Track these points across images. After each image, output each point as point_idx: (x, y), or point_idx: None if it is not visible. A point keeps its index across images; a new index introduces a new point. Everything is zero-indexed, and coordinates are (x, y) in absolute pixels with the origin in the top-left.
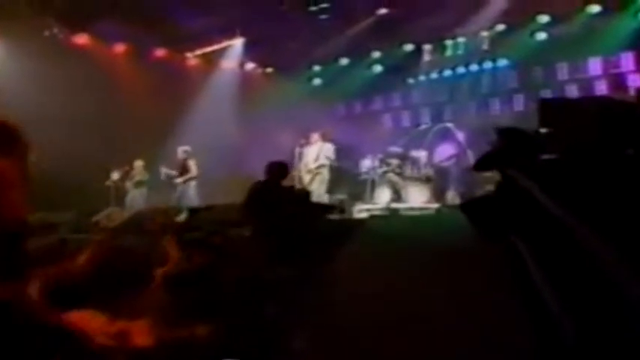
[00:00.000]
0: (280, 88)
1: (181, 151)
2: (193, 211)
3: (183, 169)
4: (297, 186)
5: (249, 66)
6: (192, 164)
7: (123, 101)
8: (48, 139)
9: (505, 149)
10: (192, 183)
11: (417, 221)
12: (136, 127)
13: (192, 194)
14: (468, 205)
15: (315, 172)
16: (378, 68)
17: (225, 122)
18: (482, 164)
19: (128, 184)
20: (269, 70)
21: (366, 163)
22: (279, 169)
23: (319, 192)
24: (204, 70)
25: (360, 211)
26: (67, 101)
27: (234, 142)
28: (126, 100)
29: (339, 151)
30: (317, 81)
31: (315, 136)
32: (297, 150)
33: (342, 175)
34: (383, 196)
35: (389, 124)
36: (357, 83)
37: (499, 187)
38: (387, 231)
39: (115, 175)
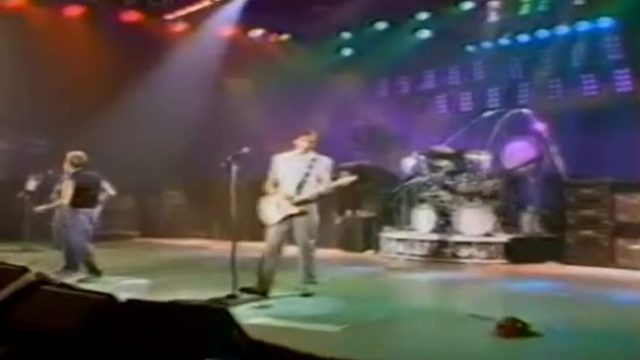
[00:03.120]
0: (300, 61)
1: (74, 157)
2: None
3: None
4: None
5: (257, 32)
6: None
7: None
8: None
9: None
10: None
11: None
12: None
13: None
14: None
15: (298, 210)
16: (425, 33)
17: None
18: None
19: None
20: (285, 37)
21: (409, 164)
22: None
23: (304, 241)
24: (191, 38)
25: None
26: None
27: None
28: (80, 76)
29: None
30: (347, 51)
31: (305, 140)
32: (277, 159)
33: (372, 177)
34: (423, 220)
35: (442, 108)
36: (399, 54)
37: None
38: None
39: (32, 185)
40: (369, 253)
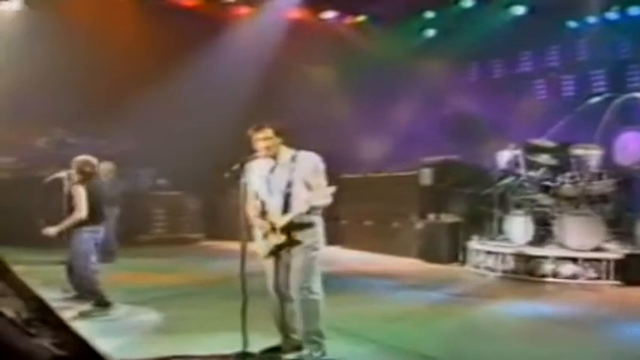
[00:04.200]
0: (379, 45)
1: (84, 164)
2: None
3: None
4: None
5: (329, 14)
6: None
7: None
8: None
9: None
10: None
11: None
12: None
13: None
14: None
15: (284, 238)
16: (520, 9)
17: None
18: None
19: None
20: (361, 18)
21: (504, 158)
22: None
23: (297, 284)
24: (253, 21)
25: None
26: None
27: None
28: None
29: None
30: (431, 32)
31: (259, 140)
32: (250, 167)
33: (460, 174)
34: (518, 229)
35: (541, 94)
36: (490, 33)
37: None
38: None
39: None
40: (454, 267)
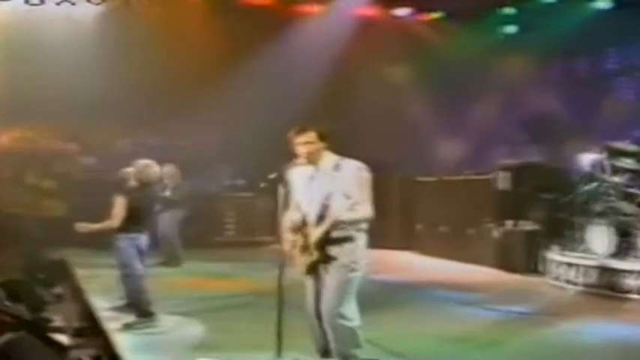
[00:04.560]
0: (456, 43)
1: (143, 171)
2: None
3: None
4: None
5: (403, 11)
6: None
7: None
8: None
9: None
10: None
11: None
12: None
13: None
14: None
15: (317, 254)
16: (604, 3)
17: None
18: None
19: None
20: (436, 15)
21: (588, 161)
22: None
23: (329, 308)
24: (322, 19)
25: None
26: None
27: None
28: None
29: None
30: (511, 28)
31: (301, 144)
32: (291, 175)
33: (541, 178)
34: (599, 239)
35: (628, 93)
36: (574, 29)
37: None
38: None
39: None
40: (531, 278)
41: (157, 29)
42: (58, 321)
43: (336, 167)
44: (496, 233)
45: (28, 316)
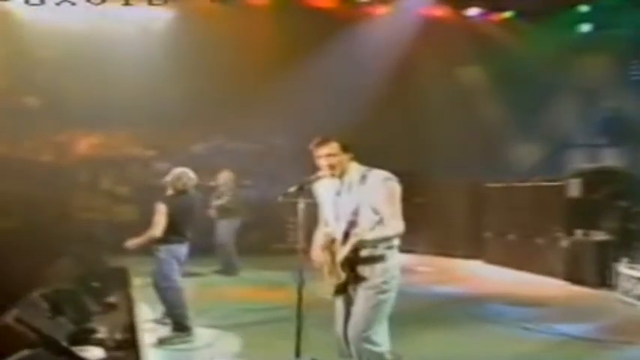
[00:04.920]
0: (528, 43)
1: (179, 179)
2: None
3: None
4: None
5: (473, 11)
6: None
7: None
8: None
9: None
10: None
11: None
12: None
13: None
14: None
15: (344, 276)
16: None
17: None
18: None
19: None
20: (508, 14)
21: None
22: None
23: (355, 334)
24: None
25: None
26: None
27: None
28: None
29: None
30: (586, 27)
31: (322, 157)
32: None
33: (616, 184)
34: None
35: None
36: None
37: None
38: None
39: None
40: (602, 292)
41: (226, 33)
42: (101, 332)
43: (363, 179)
44: (565, 243)
45: (69, 328)
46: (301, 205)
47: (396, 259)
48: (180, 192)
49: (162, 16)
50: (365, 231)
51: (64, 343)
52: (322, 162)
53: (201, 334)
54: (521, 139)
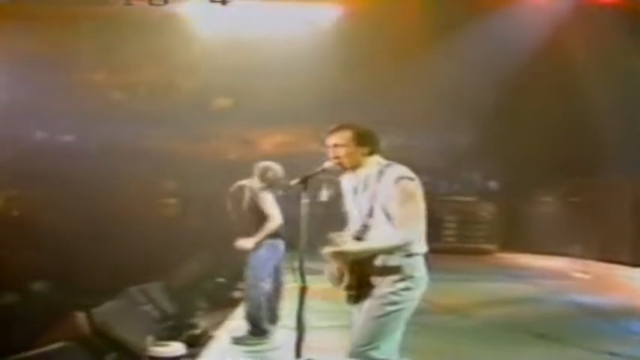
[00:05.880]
0: None
1: (266, 170)
2: None
3: None
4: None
5: None
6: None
7: None
8: None
9: None
10: None
11: None
12: None
13: None
14: None
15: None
16: None
17: None
18: None
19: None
20: None
21: None
22: None
23: (355, 346)
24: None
25: None
26: None
27: None
28: None
29: None
30: None
31: (338, 145)
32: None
33: None
34: None
35: None
36: None
37: None
38: None
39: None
40: None
41: (383, 29)
42: (199, 328)
43: (379, 175)
44: None
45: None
46: (304, 200)
47: (416, 269)
48: (270, 182)
49: (329, 13)
50: (374, 237)
51: (151, 337)
52: (330, 152)
53: (282, 335)
54: None
